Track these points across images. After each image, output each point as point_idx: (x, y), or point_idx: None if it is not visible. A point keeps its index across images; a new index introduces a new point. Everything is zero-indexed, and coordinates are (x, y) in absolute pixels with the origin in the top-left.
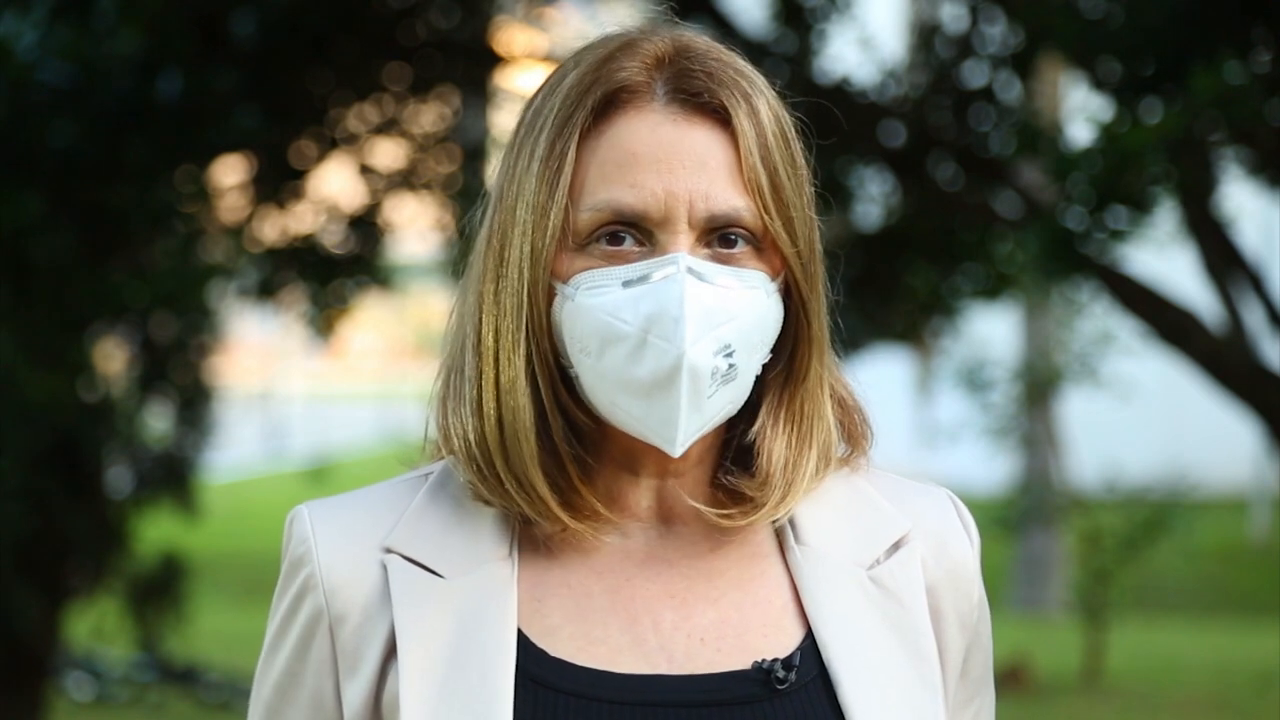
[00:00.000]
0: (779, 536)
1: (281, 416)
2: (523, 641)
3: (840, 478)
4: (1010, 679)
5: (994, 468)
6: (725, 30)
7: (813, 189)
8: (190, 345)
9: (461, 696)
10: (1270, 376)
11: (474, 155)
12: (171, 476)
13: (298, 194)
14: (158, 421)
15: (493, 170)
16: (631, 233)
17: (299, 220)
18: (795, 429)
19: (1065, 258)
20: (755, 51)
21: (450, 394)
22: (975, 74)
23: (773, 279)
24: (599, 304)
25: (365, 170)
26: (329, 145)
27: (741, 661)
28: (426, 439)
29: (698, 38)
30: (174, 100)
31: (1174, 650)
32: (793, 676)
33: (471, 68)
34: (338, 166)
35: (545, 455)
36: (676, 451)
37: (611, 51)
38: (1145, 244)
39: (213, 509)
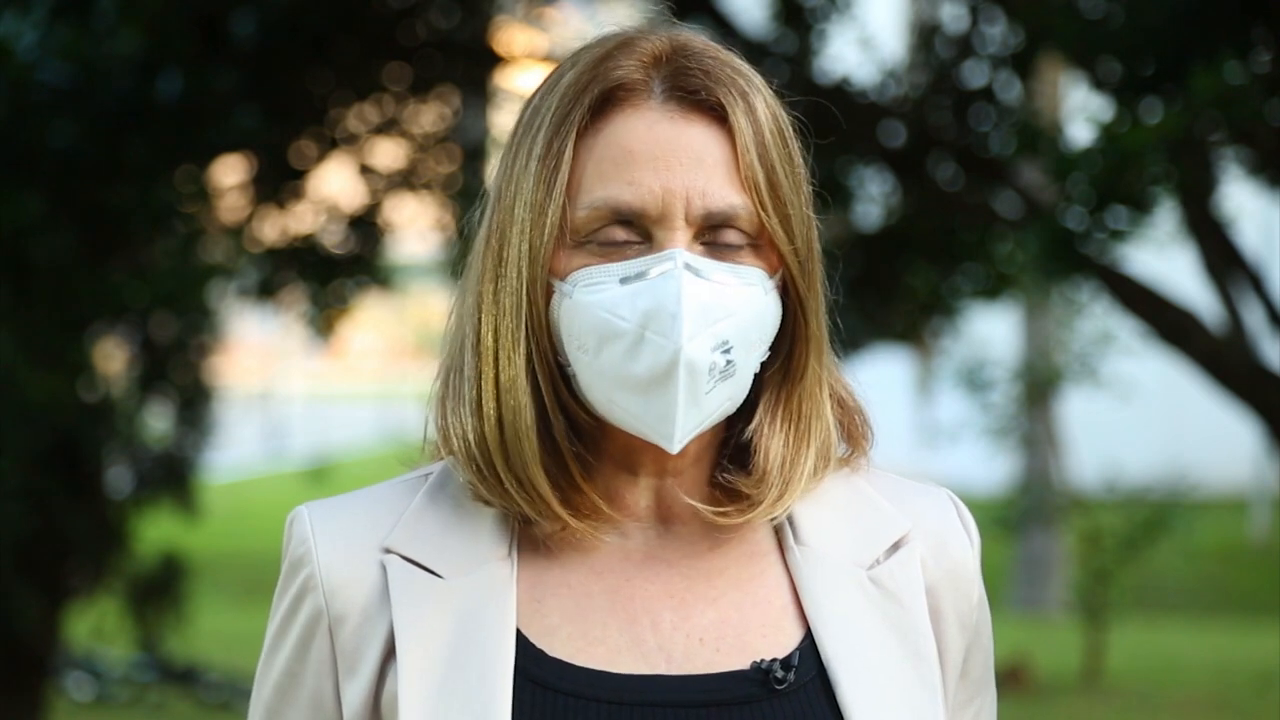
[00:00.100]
0: (778, 536)
1: (281, 416)
2: (521, 642)
3: (840, 478)
4: (1010, 679)
5: (994, 468)
6: (725, 30)
7: (811, 188)
8: (190, 345)
9: (460, 696)
10: (1270, 376)
11: (474, 155)
12: (171, 476)
13: (298, 194)
14: (158, 421)
15: (492, 170)
16: (629, 230)
17: (299, 220)
18: (793, 427)
19: (1065, 258)
20: (755, 51)
21: (449, 394)
22: (975, 74)
23: (770, 276)
24: (596, 301)
25: (365, 170)
26: (329, 145)
27: (740, 662)
28: (426, 440)
29: (695, 37)
30: (174, 100)
31: (1174, 650)
32: (791, 677)
33: (471, 68)
34: (338, 166)
35: (546, 454)
36: (675, 448)
37: (609, 50)
38: (1145, 244)
39: (213, 509)
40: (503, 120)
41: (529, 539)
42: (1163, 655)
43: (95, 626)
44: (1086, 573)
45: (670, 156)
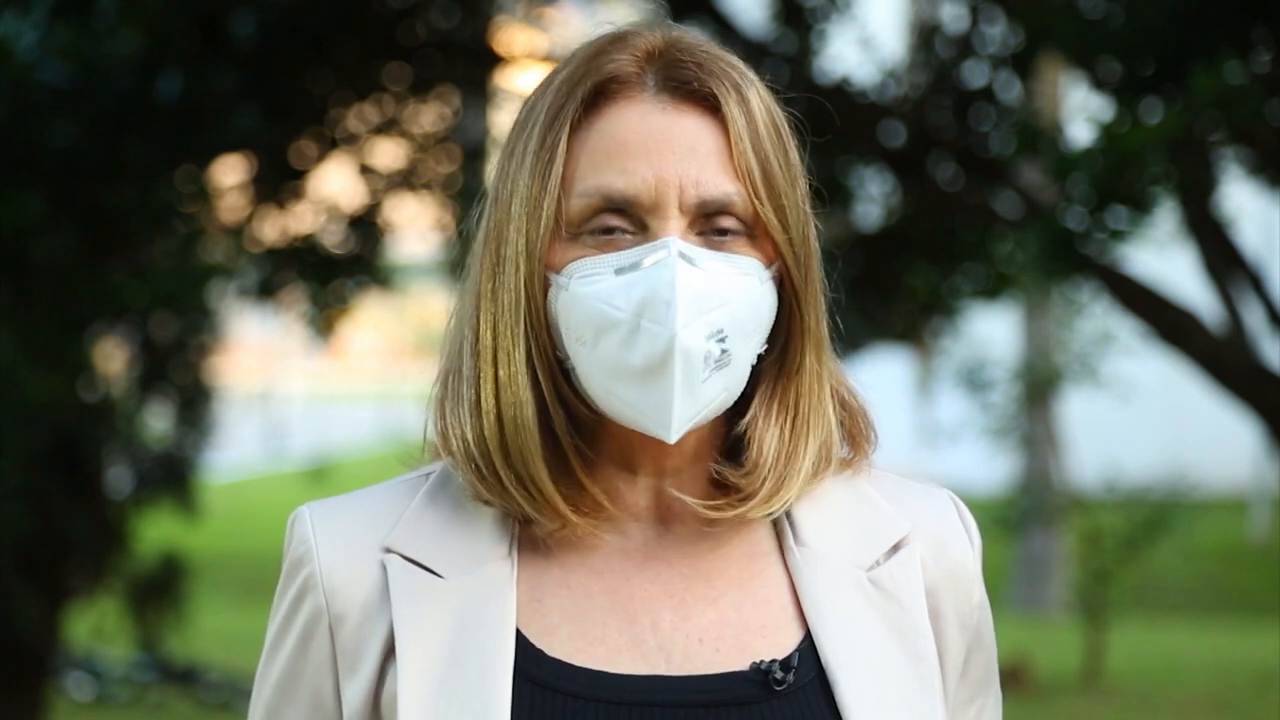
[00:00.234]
0: (778, 536)
1: (281, 416)
2: (521, 641)
3: (841, 479)
4: (1010, 679)
5: (994, 468)
6: (725, 30)
7: (807, 184)
8: (190, 345)
9: (460, 696)
10: (1270, 376)
11: (474, 155)
12: (171, 476)
13: (298, 194)
14: (158, 421)
15: (492, 171)
16: (623, 221)
17: (299, 220)
18: (790, 422)
19: (1065, 258)
20: (755, 51)
21: (448, 395)
22: (975, 74)
23: (767, 267)
24: (592, 292)
25: (365, 170)
26: (329, 145)
27: (740, 662)
28: (425, 443)
29: (689, 34)
30: (174, 100)
31: (1174, 650)
32: (791, 677)
33: (471, 68)
34: (338, 166)
35: (547, 449)
36: (672, 438)
37: (602, 45)
38: (1145, 244)
39: (213, 509)
40: (503, 120)
41: (529, 539)
42: (1163, 655)
43: (95, 626)
44: (1086, 573)
45: (663, 146)
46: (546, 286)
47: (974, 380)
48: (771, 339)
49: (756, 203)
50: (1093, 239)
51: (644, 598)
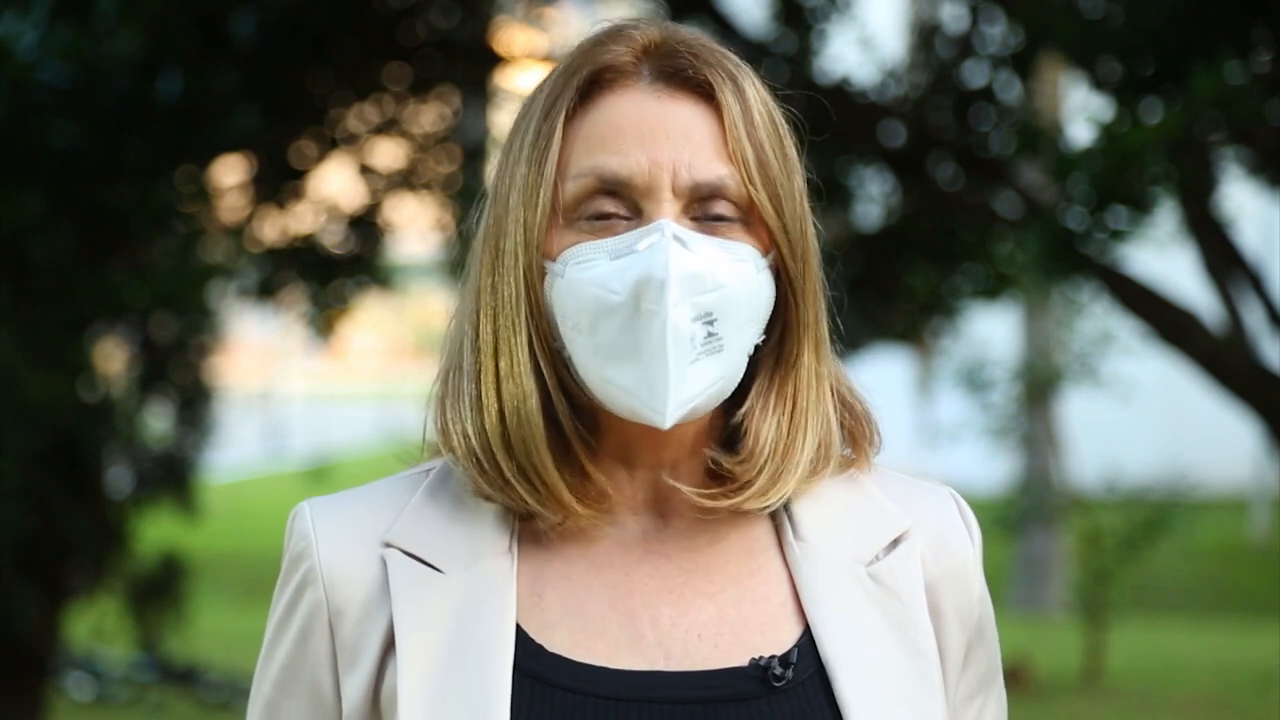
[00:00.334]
0: (778, 532)
1: (281, 416)
2: (521, 636)
3: (842, 477)
4: (1010, 679)
5: (994, 468)
6: (725, 30)
7: (805, 179)
8: (190, 345)
9: (459, 691)
10: (1270, 376)
11: (474, 155)
12: (171, 476)
13: (298, 194)
14: (158, 421)
15: (492, 171)
16: (618, 205)
17: (299, 220)
18: (788, 414)
19: (1065, 258)
20: (755, 51)
21: (449, 392)
22: (975, 74)
23: (763, 255)
24: (588, 277)
25: (365, 170)
26: (329, 145)
27: (739, 658)
28: (425, 441)
29: (686, 29)
30: (174, 100)
31: (1174, 650)
32: (790, 673)
33: (471, 68)
34: (338, 166)
35: (552, 439)
36: (666, 422)
37: (600, 39)
38: (1145, 244)
39: (213, 509)
40: (503, 120)
41: (529, 534)
42: (1163, 655)
43: (95, 626)
44: (1086, 573)
45: (658, 130)
46: (544, 275)
47: (974, 380)
48: (769, 330)
49: (750, 187)
50: (1093, 239)
51: (643, 593)
